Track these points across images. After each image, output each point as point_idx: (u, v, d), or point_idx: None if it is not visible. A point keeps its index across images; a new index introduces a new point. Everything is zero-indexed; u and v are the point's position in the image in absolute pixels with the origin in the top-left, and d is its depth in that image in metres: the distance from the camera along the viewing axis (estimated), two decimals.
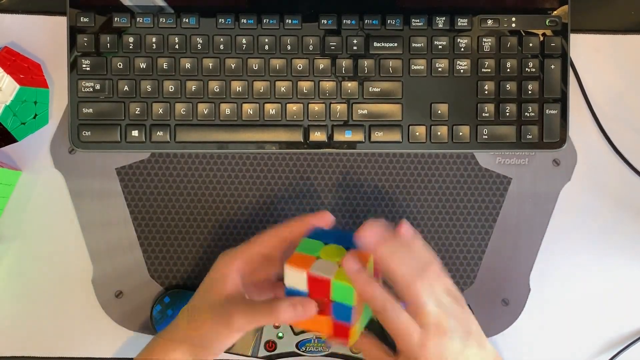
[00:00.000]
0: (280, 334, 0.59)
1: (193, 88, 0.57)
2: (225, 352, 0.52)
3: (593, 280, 0.61)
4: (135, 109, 0.57)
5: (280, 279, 0.50)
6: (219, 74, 0.57)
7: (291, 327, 0.59)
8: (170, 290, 0.59)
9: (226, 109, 0.57)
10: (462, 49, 0.58)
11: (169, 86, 0.57)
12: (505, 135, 0.58)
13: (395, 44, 0.58)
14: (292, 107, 0.58)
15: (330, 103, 0.58)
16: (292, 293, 0.48)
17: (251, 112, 0.57)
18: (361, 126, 0.58)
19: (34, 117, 0.58)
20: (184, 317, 0.51)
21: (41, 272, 0.60)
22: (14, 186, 0.59)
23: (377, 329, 0.49)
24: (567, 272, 0.61)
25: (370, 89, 0.58)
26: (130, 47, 0.57)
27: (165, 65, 0.57)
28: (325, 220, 0.51)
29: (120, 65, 0.57)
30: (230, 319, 0.48)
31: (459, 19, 0.58)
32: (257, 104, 0.57)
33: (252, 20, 0.57)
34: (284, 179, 0.60)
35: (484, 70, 0.58)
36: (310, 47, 0.58)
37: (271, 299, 0.51)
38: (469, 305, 0.60)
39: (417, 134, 0.58)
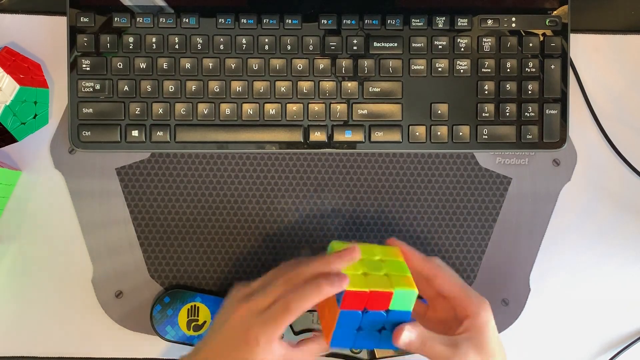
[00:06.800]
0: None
1: (193, 88, 0.57)
2: None
3: (593, 280, 0.61)
4: (135, 109, 0.57)
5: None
6: (219, 74, 0.57)
7: (291, 326, 0.59)
8: (170, 290, 0.59)
9: (226, 109, 0.57)
10: (462, 49, 0.58)
11: (169, 86, 0.57)
12: (505, 135, 0.58)
13: (395, 44, 0.58)
14: (292, 107, 0.58)
15: (330, 103, 0.58)
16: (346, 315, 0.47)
17: (251, 112, 0.57)
18: (361, 126, 0.58)
19: (34, 117, 0.58)
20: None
21: (41, 272, 0.60)
22: (14, 186, 0.59)
23: None
24: (567, 272, 0.61)
25: (370, 89, 0.58)
26: (130, 47, 0.57)
27: (165, 65, 0.57)
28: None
29: (120, 65, 0.57)
30: None
31: (459, 19, 0.58)
32: (257, 104, 0.57)
33: (252, 20, 0.57)
34: (284, 179, 0.60)
35: (484, 70, 0.58)
36: (310, 47, 0.57)
37: None
38: None
39: (417, 134, 0.58)
